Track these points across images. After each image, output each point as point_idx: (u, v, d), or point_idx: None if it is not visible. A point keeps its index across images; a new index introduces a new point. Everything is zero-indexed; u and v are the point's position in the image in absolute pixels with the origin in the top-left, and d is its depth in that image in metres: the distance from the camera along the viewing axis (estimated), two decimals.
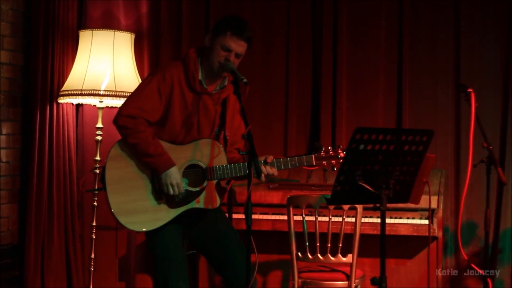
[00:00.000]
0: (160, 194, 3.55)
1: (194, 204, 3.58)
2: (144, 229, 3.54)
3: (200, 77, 3.59)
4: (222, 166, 3.58)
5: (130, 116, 3.49)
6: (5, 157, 4.95)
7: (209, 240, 3.69)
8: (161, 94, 3.53)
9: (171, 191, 3.53)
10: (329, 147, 3.63)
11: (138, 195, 3.54)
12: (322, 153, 3.61)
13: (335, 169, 3.61)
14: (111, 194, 3.51)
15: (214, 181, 3.63)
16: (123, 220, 3.50)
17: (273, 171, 3.55)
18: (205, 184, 3.59)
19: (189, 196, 3.58)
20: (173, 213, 3.56)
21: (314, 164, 3.61)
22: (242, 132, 3.65)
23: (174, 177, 3.52)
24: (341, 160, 3.60)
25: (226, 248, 3.66)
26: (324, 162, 3.62)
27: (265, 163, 3.53)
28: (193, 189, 3.59)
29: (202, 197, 3.60)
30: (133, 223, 3.53)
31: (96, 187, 4.78)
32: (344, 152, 3.56)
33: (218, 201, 3.64)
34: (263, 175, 3.40)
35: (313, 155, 3.61)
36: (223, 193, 3.73)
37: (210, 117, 3.63)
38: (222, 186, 3.74)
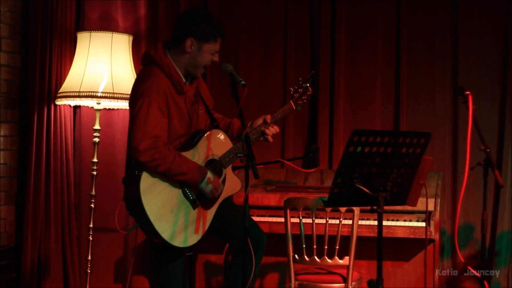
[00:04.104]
0: (195, 202, 3.59)
1: (223, 196, 3.69)
2: (198, 239, 3.59)
3: (183, 79, 3.65)
4: (230, 149, 3.67)
5: (151, 148, 3.40)
6: (3, 159, 4.95)
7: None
8: (163, 112, 3.52)
9: (216, 194, 3.62)
10: (295, 86, 3.82)
11: (180, 213, 3.54)
12: (295, 95, 3.82)
13: (305, 101, 3.85)
14: (159, 227, 3.46)
15: (230, 166, 3.73)
16: (177, 242, 3.51)
17: (275, 128, 3.76)
18: (224, 173, 3.68)
19: None
20: (211, 213, 3.64)
21: (295, 108, 3.83)
22: (210, 96, 3.85)
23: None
24: (308, 92, 3.84)
25: (227, 220, 3.72)
26: (299, 101, 3.84)
27: (266, 123, 3.71)
28: None
29: (226, 185, 3.70)
30: (186, 240, 3.55)
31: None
32: (306, 80, 3.85)
33: (240, 183, 3.75)
34: (269, 137, 3.72)
35: (291, 101, 3.82)
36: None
37: (197, 107, 3.72)
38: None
